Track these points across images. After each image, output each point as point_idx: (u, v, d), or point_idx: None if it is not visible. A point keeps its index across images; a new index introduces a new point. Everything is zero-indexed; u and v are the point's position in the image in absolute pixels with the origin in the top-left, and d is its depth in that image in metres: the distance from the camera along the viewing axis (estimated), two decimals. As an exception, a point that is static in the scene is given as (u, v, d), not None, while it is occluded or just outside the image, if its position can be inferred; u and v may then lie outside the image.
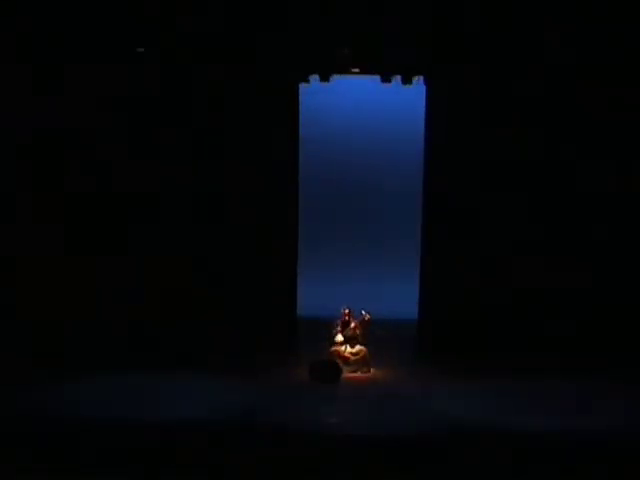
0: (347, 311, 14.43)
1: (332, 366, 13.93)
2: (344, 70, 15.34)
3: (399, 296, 16.22)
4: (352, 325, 14.35)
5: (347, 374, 14.03)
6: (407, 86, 15.40)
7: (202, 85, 15.33)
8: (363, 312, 14.38)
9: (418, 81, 15.37)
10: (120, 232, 15.46)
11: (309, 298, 16.08)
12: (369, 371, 14.28)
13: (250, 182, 15.55)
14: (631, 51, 14.84)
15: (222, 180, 15.52)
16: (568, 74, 15.04)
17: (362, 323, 14.34)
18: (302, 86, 15.53)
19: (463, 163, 15.37)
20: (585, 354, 14.75)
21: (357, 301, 14.68)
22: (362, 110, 17.25)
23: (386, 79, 15.35)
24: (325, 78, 15.35)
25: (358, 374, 14.17)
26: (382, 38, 14.81)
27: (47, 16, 14.74)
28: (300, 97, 15.55)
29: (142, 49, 15.07)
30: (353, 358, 14.23)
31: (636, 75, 14.92)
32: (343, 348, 14.25)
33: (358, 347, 14.28)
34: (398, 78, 15.34)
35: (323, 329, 14.37)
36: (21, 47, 14.87)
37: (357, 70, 15.37)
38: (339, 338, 14.30)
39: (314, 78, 15.41)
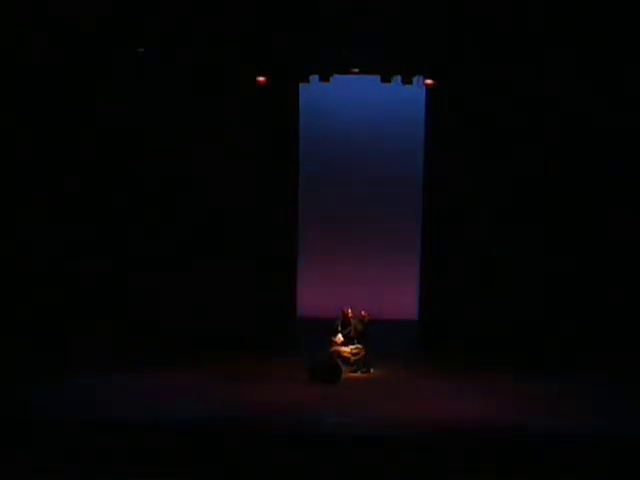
0: (347, 311, 14.44)
1: (332, 366, 13.94)
2: (344, 70, 15.35)
3: (399, 296, 16.22)
4: (352, 325, 14.36)
5: (347, 374, 14.03)
6: (407, 86, 15.41)
7: (202, 85, 15.33)
8: (363, 312, 14.39)
9: (418, 81, 15.38)
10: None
11: (309, 298, 16.08)
12: (369, 371, 14.28)
13: (250, 182, 15.55)
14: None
15: (222, 180, 15.52)
16: (567, 73, 15.06)
17: (361, 323, 14.34)
18: (302, 86, 15.54)
19: (463, 163, 15.37)
20: (585, 354, 14.76)
21: (357, 301, 14.69)
22: (362, 110, 17.20)
23: (386, 79, 15.36)
24: (325, 78, 15.36)
25: (358, 374, 14.18)
26: (382, 38, 14.81)
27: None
28: (300, 97, 15.56)
29: (142, 49, 15.08)
30: (353, 358, 14.23)
31: None
32: (343, 348, 14.25)
33: (358, 347, 14.29)
34: (398, 78, 15.34)
35: (323, 329, 14.37)
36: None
37: (357, 70, 15.38)
38: (339, 338, 14.30)
39: (314, 78, 15.42)
